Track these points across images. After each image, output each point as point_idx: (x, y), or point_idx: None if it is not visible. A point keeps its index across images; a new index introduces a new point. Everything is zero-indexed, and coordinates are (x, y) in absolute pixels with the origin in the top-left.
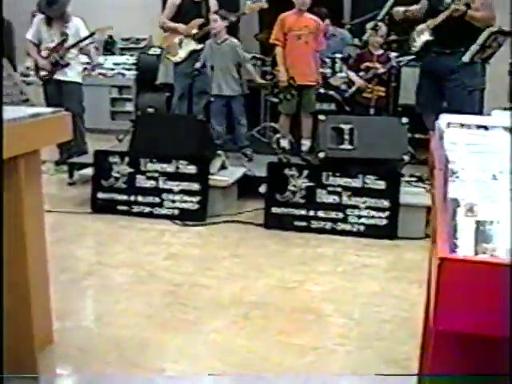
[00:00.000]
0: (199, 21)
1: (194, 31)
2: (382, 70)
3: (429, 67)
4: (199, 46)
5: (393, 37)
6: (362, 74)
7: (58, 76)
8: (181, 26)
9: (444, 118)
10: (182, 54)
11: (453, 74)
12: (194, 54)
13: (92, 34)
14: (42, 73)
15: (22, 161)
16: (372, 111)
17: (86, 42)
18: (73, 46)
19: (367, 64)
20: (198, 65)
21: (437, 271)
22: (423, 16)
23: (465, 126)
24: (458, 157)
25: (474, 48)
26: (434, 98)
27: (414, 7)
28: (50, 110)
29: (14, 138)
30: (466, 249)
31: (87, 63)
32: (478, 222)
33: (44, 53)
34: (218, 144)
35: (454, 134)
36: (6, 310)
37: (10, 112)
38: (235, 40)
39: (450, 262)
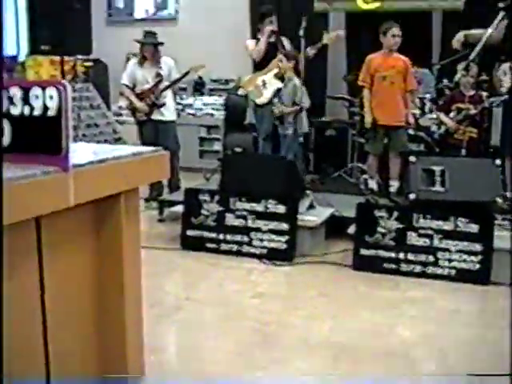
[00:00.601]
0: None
1: (276, 70)
2: (473, 111)
3: None
4: (283, 84)
5: (484, 77)
6: (452, 115)
7: (155, 116)
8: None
9: None
10: (267, 94)
11: None
12: (278, 93)
13: (186, 74)
14: (139, 114)
15: (122, 197)
16: (463, 152)
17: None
18: (168, 86)
19: (458, 105)
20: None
21: None
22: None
23: None
24: None
25: None
26: None
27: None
28: (150, 149)
29: (116, 175)
30: None
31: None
32: None
33: (140, 95)
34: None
35: None
36: (101, 340)
37: (113, 150)
38: (297, 81)
39: None
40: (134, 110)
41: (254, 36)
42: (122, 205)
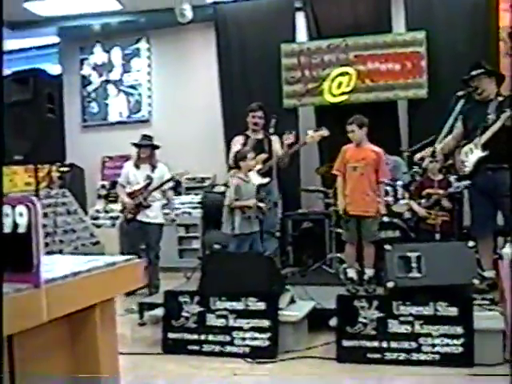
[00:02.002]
0: (263, 156)
1: (260, 166)
2: (442, 197)
3: (485, 185)
4: (265, 180)
5: (450, 161)
6: (423, 201)
7: (141, 217)
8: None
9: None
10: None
11: (509, 189)
12: (260, 189)
13: (171, 179)
14: (126, 212)
15: (97, 309)
16: (438, 236)
17: (168, 185)
18: (155, 188)
19: (428, 191)
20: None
21: None
22: (460, 139)
23: None
24: None
25: None
26: (490, 218)
27: (448, 139)
28: (124, 258)
29: (91, 288)
30: None
31: (165, 204)
32: None
33: (129, 194)
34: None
35: None
36: None
37: (87, 262)
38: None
39: None
40: (123, 208)
41: (227, 133)
42: (97, 316)
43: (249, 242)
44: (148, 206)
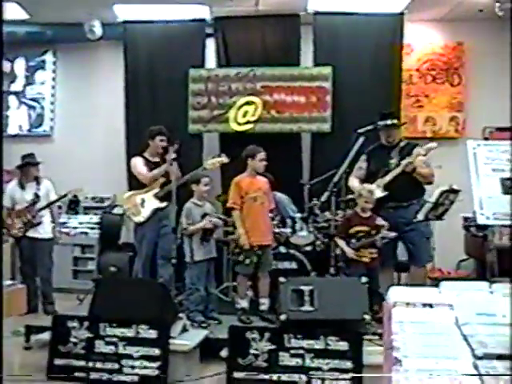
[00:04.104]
0: (161, 180)
1: (157, 190)
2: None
3: (387, 221)
4: (162, 205)
5: (350, 195)
6: (354, 241)
7: (31, 234)
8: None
9: (393, 292)
10: (144, 213)
11: (410, 224)
12: (157, 213)
13: (64, 196)
14: (14, 231)
15: None
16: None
17: (57, 203)
18: (44, 207)
19: (357, 228)
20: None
21: None
22: (364, 179)
23: (410, 304)
24: (403, 341)
25: (428, 206)
26: (390, 252)
27: (353, 180)
28: (6, 283)
29: None
30: None
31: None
32: None
33: (17, 213)
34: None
35: (400, 314)
36: None
37: None
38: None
39: None
40: (8, 229)
41: (130, 154)
42: None
43: (207, 269)
44: (38, 224)
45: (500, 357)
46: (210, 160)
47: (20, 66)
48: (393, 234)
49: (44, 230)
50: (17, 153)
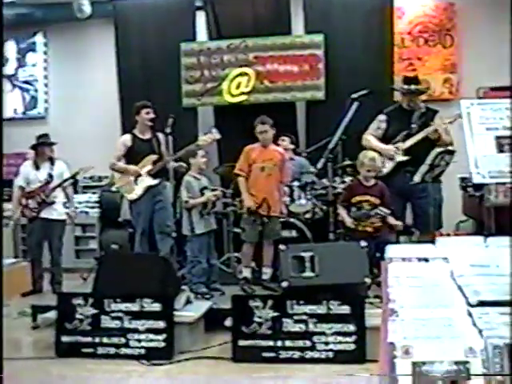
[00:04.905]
0: (153, 157)
1: (149, 167)
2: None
3: (402, 186)
4: (155, 182)
5: (347, 162)
6: (354, 209)
7: (44, 214)
8: (131, 167)
9: (389, 250)
10: (138, 190)
11: (424, 191)
12: (150, 190)
13: (76, 174)
14: (28, 212)
15: None
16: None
17: (69, 181)
18: (57, 186)
19: (359, 198)
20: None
21: None
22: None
23: (406, 259)
24: (399, 294)
25: (424, 168)
26: (402, 216)
27: (371, 138)
28: (9, 261)
29: None
30: None
31: (66, 202)
32: (414, 364)
33: (30, 193)
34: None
35: (397, 269)
36: None
37: None
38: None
39: None
40: (23, 209)
41: (126, 131)
42: None
43: (207, 241)
44: (51, 203)
45: (493, 303)
46: (202, 136)
47: (11, 48)
48: (387, 211)
49: (57, 212)
50: (13, 136)
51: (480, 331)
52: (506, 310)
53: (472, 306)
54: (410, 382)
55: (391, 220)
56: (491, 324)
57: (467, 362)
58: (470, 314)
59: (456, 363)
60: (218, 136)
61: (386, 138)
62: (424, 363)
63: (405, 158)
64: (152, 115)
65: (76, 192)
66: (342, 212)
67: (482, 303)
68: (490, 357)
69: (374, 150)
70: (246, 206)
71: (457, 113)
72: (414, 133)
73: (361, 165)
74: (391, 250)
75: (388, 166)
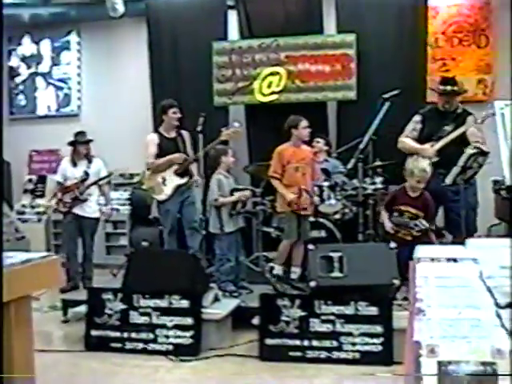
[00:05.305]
0: (182, 156)
1: (176, 166)
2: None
3: (433, 188)
4: (183, 181)
5: (378, 162)
6: (396, 214)
7: (77, 211)
8: (175, 156)
9: (418, 250)
10: (167, 191)
11: (457, 194)
12: (179, 189)
13: (110, 175)
14: (61, 206)
15: (12, 306)
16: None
17: (104, 180)
18: (92, 184)
19: (402, 208)
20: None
21: None
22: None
23: (435, 259)
24: (427, 293)
25: (456, 170)
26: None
27: (408, 140)
28: (40, 255)
29: (5, 284)
30: None
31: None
32: (439, 363)
33: (66, 189)
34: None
35: (425, 269)
36: None
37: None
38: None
39: None
40: (58, 203)
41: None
42: (11, 314)
43: (236, 239)
44: (85, 200)
45: None
46: (224, 131)
47: (46, 47)
48: (427, 226)
49: (91, 209)
50: (46, 133)
51: (509, 333)
52: None
53: (501, 307)
54: (436, 381)
55: (431, 236)
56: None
57: (494, 363)
58: (498, 316)
59: (483, 364)
60: (239, 129)
61: (420, 140)
62: (450, 363)
63: (436, 159)
64: (179, 115)
65: None
66: (384, 215)
67: (511, 305)
68: None
69: (411, 154)
70: (287, 201)
71: (488, 112)
72: (446, 135)
73: (410, 174)
74: (420, 250)
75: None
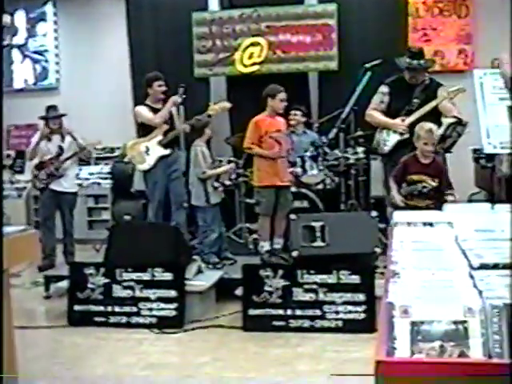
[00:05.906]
0: (164, 127)
1: (160, 137)
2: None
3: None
4: (166, 152)
5: (359, 132)
6: (404, 185)
7: (54, 186)
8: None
9: (396, 215)
10: (149, 160)
11: None
12: (164, 160)
13: (83, 149)
14: (37, 183)
15: None
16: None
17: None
18: (67, 158)
19: (414, 177)
20: None
21: (375, 374)
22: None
23: (411, 224)
24: (402, 257)
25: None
26: None
27: (376, 113)
28: (17, 228)
29: None
30: (402, 350)
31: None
32: (412, 323)
33: (41, 165)
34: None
35: (401, 233)
36: None
37: None
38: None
39: (386, 365)
40: (34, 178)
41: (137, 102)
42: None
43: (218, 211)
44: (61, 176)
45: (495, 266)
46: (212, 106)
47: (20, 18)
48: (433, 183)
49: (68, 184)
50: (24, 107)
51: (480, 292)
52: (508, 272)
53: (474, 268)
54: (409, 341)
55: (449, 197)
56: (492, 286)
57: (465, 322)
58: (471, 277)
59: (454, 322)
60: (228, 105)
61: (389, 113)
62: (422, 322)
63: (406, 136)
64: (164, 87)
65: (88, 163)
66: (393, 188)
67: (484, 266)
68: (488, 317)
69: (383, 128)
70: (270, 155)
71: (458, 87)
72: (416, 108)
73: (417, 138)
74: (397, 215)
75: (389, 144)
